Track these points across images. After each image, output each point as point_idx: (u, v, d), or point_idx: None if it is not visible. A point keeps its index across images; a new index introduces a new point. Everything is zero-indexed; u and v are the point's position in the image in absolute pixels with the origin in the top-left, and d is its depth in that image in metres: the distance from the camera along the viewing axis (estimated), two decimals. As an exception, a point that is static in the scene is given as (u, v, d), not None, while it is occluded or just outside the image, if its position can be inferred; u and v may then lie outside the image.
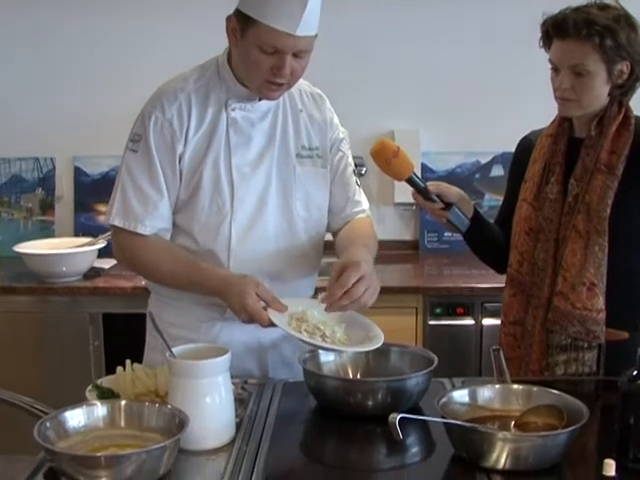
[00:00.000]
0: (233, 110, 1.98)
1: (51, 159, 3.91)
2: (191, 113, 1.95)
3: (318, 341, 1.75)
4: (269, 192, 2.01)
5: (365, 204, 2.20)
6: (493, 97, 3.78)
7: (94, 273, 3.42)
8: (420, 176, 1.98)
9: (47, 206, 3.91)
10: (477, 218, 2.09)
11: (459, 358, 3.15)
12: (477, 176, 3.79)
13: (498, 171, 3.77)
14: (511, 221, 2.11)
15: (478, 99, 3.80)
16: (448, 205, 1.99)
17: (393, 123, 3.80)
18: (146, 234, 1.95)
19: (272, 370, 2.08)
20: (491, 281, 3.17)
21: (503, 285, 3.01)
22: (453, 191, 2.01)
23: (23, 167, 3.92)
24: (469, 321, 3.21)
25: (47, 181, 3.92)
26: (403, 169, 1.90)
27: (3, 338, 3.28)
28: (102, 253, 3.44)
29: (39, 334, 3.30)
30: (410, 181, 1.92)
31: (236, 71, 1.96)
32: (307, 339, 1.75)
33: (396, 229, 3.88)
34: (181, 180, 1.96)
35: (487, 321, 3.20)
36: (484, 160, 3.82)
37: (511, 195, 2.16)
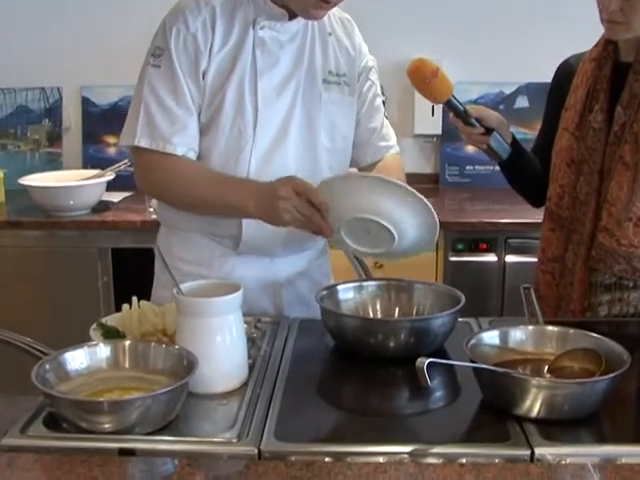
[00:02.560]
0: (262, 29, 1.86)
1: (58, 89, 3.83)
2: (215, 28, 1.83)
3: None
4: (292, 119, 1.90)
5: (393, 139, 2.10)
6: (518, 24, 3.65)
7: (103, 206, 3.36)
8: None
9: (54, 137, 3.84)
10: (516, 145, 1.97)
11: (480, 297, 3.10)
12: (501, 107, 3.67)
13: (523, 102, 3.68)
14: (549, 151, 1.99)
15: (502, 26, 3.67)
16: (488, 130, 1.87)
17: (413, 51, 3.66)
18: (177, 154, 1.83)
19: (287, 308, 2.00)
20: (515, 216, 3.14)
21: (528, 220, 3.05)
22: (493, 115, 1.89)
23: (29, 97, 3.84)
24: (492, 258, 3.16)
25: (54, 112, 3.84)
26: (443, 90, 1.76)
27: (9, 274, 3.24)
28: (111, 186, 3.39)
29: (46, 270, 3.26)
30: (449, 104, 1.79)
31: None
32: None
33: (416, 162, 3.81)
34: (203, 100, 1.85)
35: (510, 258, 3.13)
36: (508, 91, 3.72)
37: (549, 124, 2.03)
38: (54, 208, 3.24)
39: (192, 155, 1.86)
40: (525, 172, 2.04)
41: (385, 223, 1.61)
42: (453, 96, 1.78)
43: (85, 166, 3.75)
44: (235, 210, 1.81)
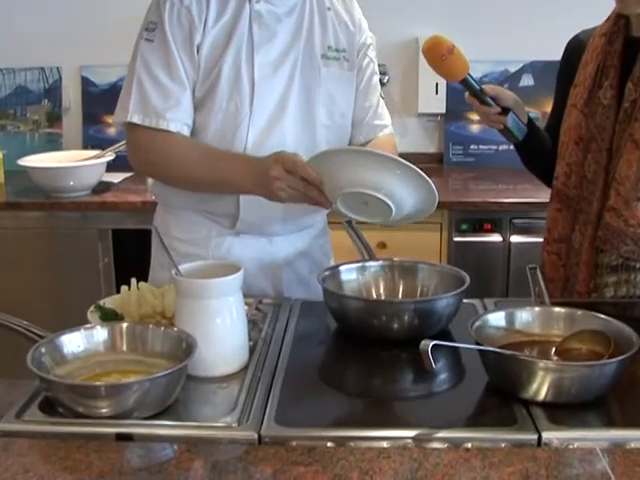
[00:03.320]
0: (258, 2, 1.82)
1: (57, 69, 3.79)
2: (210, 1, 1.80)
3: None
4: (290, 95, 1.87)
5: (388, 119, 2.07)
6: (523, 0, 3.60)
7: (103, 187, 3.32)
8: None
9: (54, 118, 3.81)
10: (531, 125, 1.93)
11: (485, 277, 3.08)
12: (505, 86, 3.58)
13: (528, 81, 3.64)
14: (560, 130, 1.94)
15: (507, 3, 3.62)
16: (504, 110, 1.83)
17: (417, 29, 3.64)
18: (171, 130, 1.79)
19: (287, 289, 1.98)
20: (520, 196, 3.12)
21: (533, 200, 3.02)
22: (509, 95, 1.85)
23: (28, 77, 3.80)
24: (496, 238, 3.12)
25: (53, 92, 3.81)
26: (458, 68, 1.72)
27: (8, 255, 3.22)
28: (111, 166, 3.35)
29: (46, 251, 3.23)
30: (465, 82, 1.75)
31: None
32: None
33: (420, 141, 3.77)
34: (198, 75, 1.82)
35: (516, 238, 3.10)
36: (513, 69, 3.67)
37: (560, 102, 1.98)
38: (54, 189, 3.21)
39: (186, 131, 1.83)
40: (540, 152, 2.00)
41: (381, 196, 1.57)
42: (469, 74, 1.74)
43: (85, 147, 3.72)
44: (232, 187, 1.79)
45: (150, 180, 1.99)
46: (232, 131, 1.83)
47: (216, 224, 1.92)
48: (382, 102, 2.07)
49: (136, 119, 1.79)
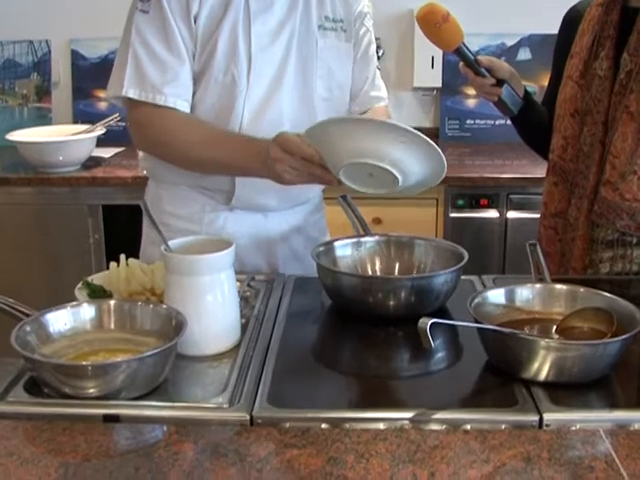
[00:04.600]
0: None
1: (46, 42, 3.74)
2: None
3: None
4: (287, 68, 1.83)
5: (384, 91, 2.04)
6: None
7: (93, 162, 3.29)
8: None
9: (43, 92, 3.76)
10: (527, 98, 1.90)
11: (481, 254, 3.06)
12: (503, 59, 3.57)
13: (525, 54, 3.60)
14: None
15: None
16: (499, 82, 1.80)
17: (412, 1, 3.59)
18: (169, 105, 1.74)
19: (281, 266, 1.95)
20: (517, 171, 3.09)
21: (530, 176, 3.00)
22: (505, 66, 1.82)
23: (17, 51, 3.75)
24: (493, 214, 3.10)
25: (43, 66, 3.75)
26: (453, 36, 1.69)
27: (-3, 232, 3.18)
28: (102, 141, 3.32)
29: (35, 228, 3.19)
30: (459, 51, 1.72)
31: None
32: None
33: (415, 116, 3.74)
34: (196, 47, 1.77)
35: (512, 214, 3.09)
36: (510, 42, 3.63)
37: (557, 74, 1.94)
38: (43, 164, 3.17)
39: (185, 107, 1.77)
40: (537, 125, 1.97)
41: (385, 165, 1.50)
42: (463, 43, 1.71)
43: (75, 121, 3.67)
44: (240, 170, 1.75)
45: (141, 154, 1.95)
46: (228, 105, 1.79)
47: (210, 199, 1.89)
48: (378, 73, 2.04)
49: (132, 93, 1.74)
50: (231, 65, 1.77)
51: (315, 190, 1.99)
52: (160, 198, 1.91)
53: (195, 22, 1.74)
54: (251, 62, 1.78)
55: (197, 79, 1.79)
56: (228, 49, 1.76)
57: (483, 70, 1.77)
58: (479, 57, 1.78)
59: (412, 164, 1.51)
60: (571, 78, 1.86)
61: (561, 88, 1.89)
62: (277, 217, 1.93)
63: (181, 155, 1.78)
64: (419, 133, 1.47)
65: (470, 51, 1.75)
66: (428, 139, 1.46)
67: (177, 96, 1.75)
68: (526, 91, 1.90)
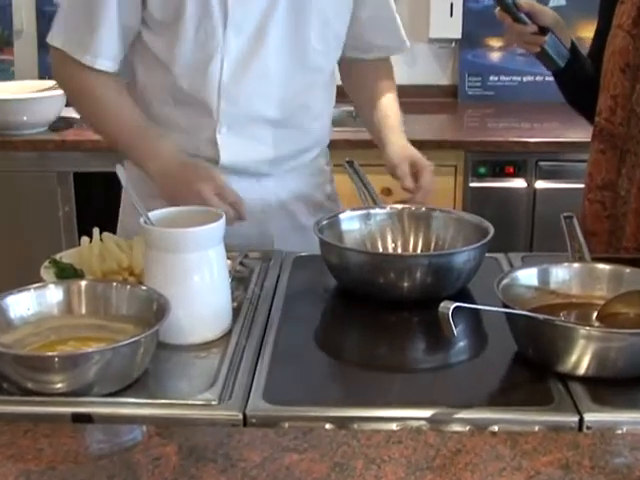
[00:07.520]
0: None
1: (7, -16, 3.78)
2: None
3: None
4: (273, 19, 1.81)
5: (391, 39, 2.13)
6: None
7: (63, 124, 3.31)
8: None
9: (4, 43, 3.81)
10: (574, 50, 1.91)
11: (506, 229, 3.07)
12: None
13: (559, 0, 3.58)
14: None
15: None
16: (542, 30, 1.81)
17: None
18: (95, 67, 1.79)
19: (279, 240, 1.96)
20: (548, 135, 3.13)
21: (563, 140, 3.03)
22: (548, 12, 1.84)
23: (-27, -6, 3.80)
24: (520, 183, 3.13)
25: (3, 12, 3.78)
26: None
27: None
28: (72, 99, 3.30)
29: (-3, 197, 3.24)
30: None
31: None
32: None
33: (431, 72, 3.79)
34: None
35: (542, 184, 3.11)
36: (541, -15, 3.64)
37: (605, 24, 1.94)
38: (5, 125, 3.19)
39: (111, 66, 1.82)
40: (584, 83, 1.97)
41: None
42: None
43: (41, 76, 3.71)
44: (134, 160, 1.85)
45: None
46: (203, 65, 1.81)
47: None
48: (387, 15, 2.07)
49: (56, 42, 1.82)
50: (203, 19, 1.77)
51: (318, 148, 2.02)
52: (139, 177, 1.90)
53: None
54: (227, 12, 1.77)
55: (165, 31, 1.80)
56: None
57: (523, 16, 1.78)
58: (519, 0, 1.78)
59: None
60: (621, 27, 1.86)
61: (609, 39, 1.89)
62: (273, 181, 1.94)
63: (91, 122, 1.92)
64: None
65: None
66: None
67: (101, 56, 1.79)
68: (572, 41, 1.91)
